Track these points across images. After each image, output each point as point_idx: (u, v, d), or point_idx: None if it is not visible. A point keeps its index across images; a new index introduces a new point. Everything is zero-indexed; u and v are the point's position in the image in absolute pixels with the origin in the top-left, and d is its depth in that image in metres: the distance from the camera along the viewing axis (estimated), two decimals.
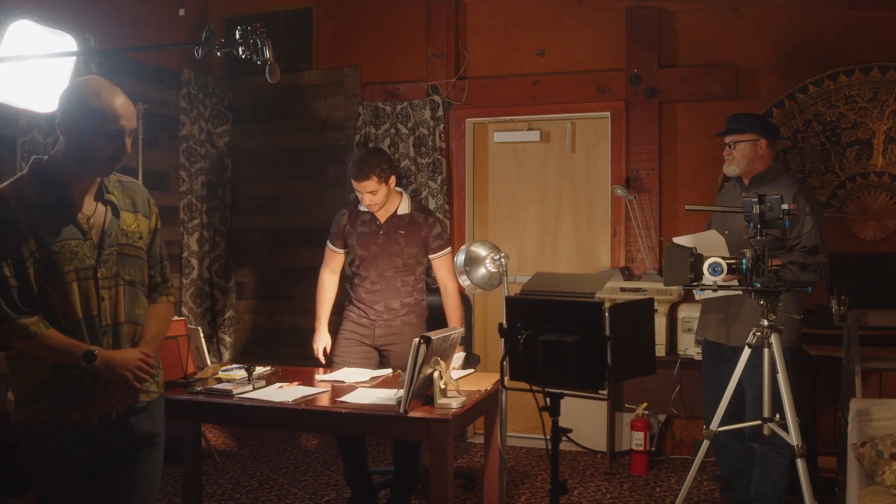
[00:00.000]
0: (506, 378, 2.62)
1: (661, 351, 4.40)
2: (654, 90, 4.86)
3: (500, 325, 2.54)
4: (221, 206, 5.69)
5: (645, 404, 4.50)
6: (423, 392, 2.81)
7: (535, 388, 2.54)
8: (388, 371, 3.51)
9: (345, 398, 2.93)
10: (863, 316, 3.77)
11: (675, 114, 4.88)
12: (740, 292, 3.17)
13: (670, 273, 3.02)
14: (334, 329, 3.95)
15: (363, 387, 3.15)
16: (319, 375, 3.40)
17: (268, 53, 2.28)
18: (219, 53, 2.24)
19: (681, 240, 3.33)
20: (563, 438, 2.67)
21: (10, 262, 2.06)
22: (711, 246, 3.23)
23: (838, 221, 4.58)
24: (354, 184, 3.64)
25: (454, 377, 2.96)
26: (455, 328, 3.11)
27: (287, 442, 5.07)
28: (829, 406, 4.38)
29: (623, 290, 4.42)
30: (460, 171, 5.30)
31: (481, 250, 3.29)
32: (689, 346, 4.37)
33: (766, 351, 2.98)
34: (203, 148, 5.56)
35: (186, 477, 3.49)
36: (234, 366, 3.45)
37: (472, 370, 3.55)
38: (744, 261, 2.93)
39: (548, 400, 2.55)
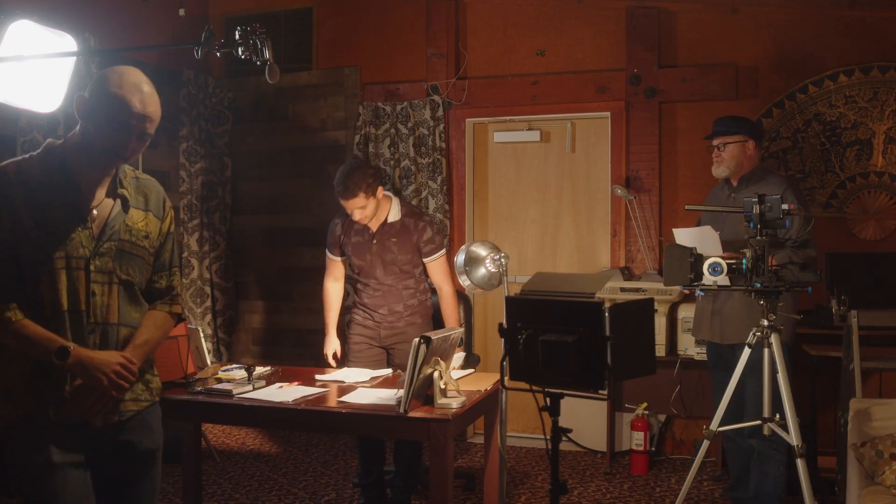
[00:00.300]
0: (506, 378, 2.62)
1: (661, 351, 4.40)
2: (654, 90, 4.86)
3: (500, 325, 2.54)
4: (221, 206, 5.69)
5: (645, 404, 4.49)
6: (423, 392, 2.81)
7: (535, 388, 2.53)
8: (388, 371, 3.51)
9: (345, 398, 2.93)
10: (863, 316, 3.77)
11: (675, 114, 4.88)
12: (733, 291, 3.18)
13: (670, 273, 3.02)
14: (341, 328, 3.99)
15: (363, 387, 3.15)
16: (319, 375, 3.40)
17: (267, 54, 2.26)
18: (218, 54, 2.23)
19: (679, 232, 3.34)
20: (563, 438, 2.67)
21: None
22: (707, 242, 3.24)
23: (838, 221, 4.58)
24: (342, 202, 3.57)
25: (454, 377, 2.96)
26: (455, 328, 3.11)
27: (287, 442, 5.07)
28: (829, 406, 4.38)
29: (623, 290, 4.42)
30: (460, 171, 5.30)
31: (481, 250, 3.29)
32: (689, 346, 4.37)
33: (766, 351, 2.99)
34: (203, 148, 5.56)
35: (186, 477, 3.49)
36: (234, 366, 3.45)
37: (472, 370, 3.55)
38: (744, 261, 2.93)
39: (548, 400, 2.54)
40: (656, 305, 3.98)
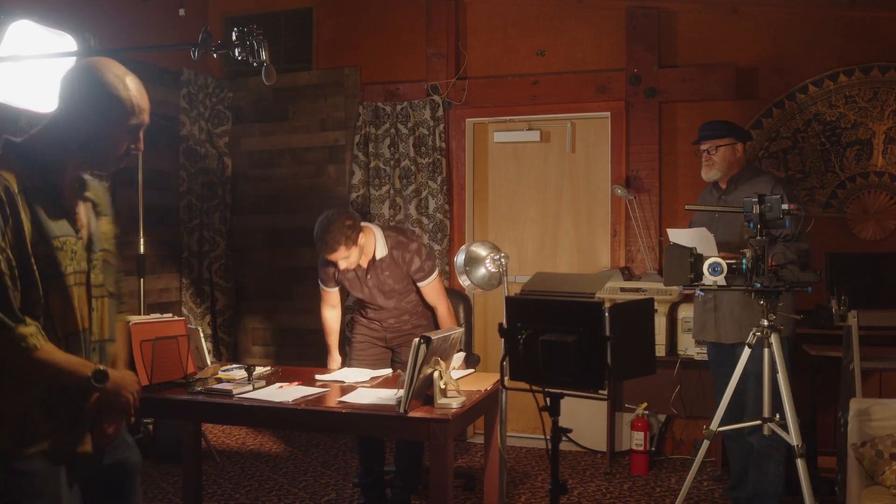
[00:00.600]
0: (506, 378, 2.62)
1: (661, 351, 4.40)
2: (654, 90, 4.86)
3: (500, 325, 2.54)
4: (221, 206, 5.69)
5: (645, 404, 4.49)
6: (423, 392, 2.80)
7: (535, 388, 2.53)
8: (388, 371, 3.52)
9: (345, 398, 2.93)
10: (863, 316, 3.77)
11: (675, 114, 4.88)
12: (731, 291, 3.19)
13: (670, 273, 3.02)
14: (342, 328, 4.03)
15: (363, 387, 3.15)
16: (319, 375, 3.40)
17: (264, 55, 2.24)
18: (215, 55, 2.22)
19: (674, 232, 3.34)
20: (563, 438, 2.67)
21: (8, 254, 1.72)
22: (703, 244, 3.24)
23: (838, 221, 4.58)
24: (325, 257, 3.50)
25: (454, 377, 2.96)
26: (455, 328, 3.11)
27: (287, 442, 5.07)
28: (829, 406, 4.38)
29: (623, 290, 4.42)
30: (460, 171, 5.30)
31: (481, 250, 3.29)
32: (689, 346, 4.37)
33: (766, 351, 2.99)
34: (203, 148, 5.56)
35: (186, 477, 3.49)
36: (234, 366, 3.45)
37: (472, 370, 3.55)
38: (744, 261, 2.93)
39: (548, 400, 2.54)
40: (656, 305, 3.98)
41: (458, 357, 3.41)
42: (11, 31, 2.79)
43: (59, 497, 1.82)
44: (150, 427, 4.66)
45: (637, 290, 4.40)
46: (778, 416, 3.00)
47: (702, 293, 3.61)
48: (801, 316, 3.52)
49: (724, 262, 2.94)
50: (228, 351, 5.70)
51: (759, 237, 2.92)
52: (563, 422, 2.61)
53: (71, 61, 3.14)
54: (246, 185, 5.79)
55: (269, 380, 3.20)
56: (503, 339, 2.54)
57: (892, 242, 4.51)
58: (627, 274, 4.76)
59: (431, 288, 3.69)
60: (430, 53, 5.30)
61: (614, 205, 4.98)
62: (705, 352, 3.98)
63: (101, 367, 1.84)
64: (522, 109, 5.17)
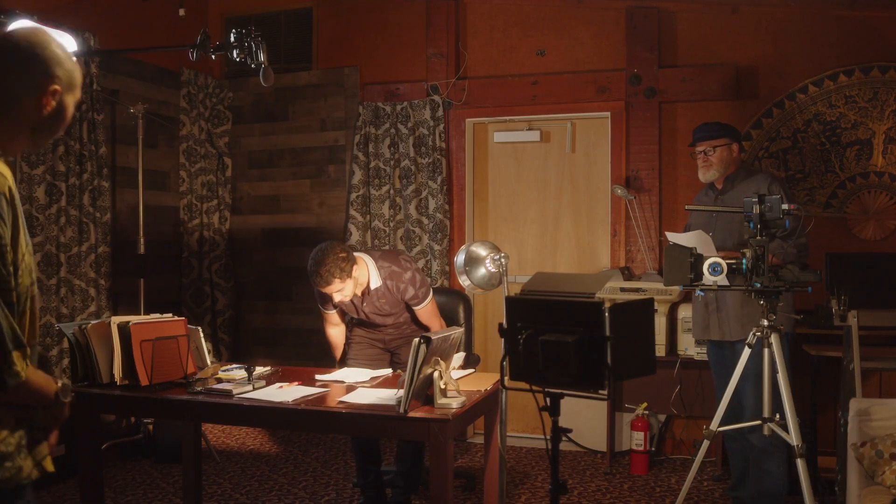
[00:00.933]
0: (506, 378, 2.62)
1: (661, 351, 4.40)
2: (654, 90, 4.86)
3: (500, 325, 2.54)
4: (221, 205, 5.69)
5: (645, 404, 4.49)
6: (423, 392, 2.80)
7: (535, 388, 2.53)
8: (388, 371, 3.52)
9: (345, 398, 2.92)
10: (863, 316, 3.77)
11: (675, 114, 4.88)
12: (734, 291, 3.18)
13: (670, 273, 3.02)
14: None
15: (363, 387, 3.15)
16: (319, 375, 3.40)
17: (262, 57, 2.23)
18: (213, 56, 2.21)
19: (673, 237, 3.34)
20: (563, 438, 2.67)
21: (9, 265, 1.53)
22: (701, 246, 3.24)
23: (838, 221, 4.58)
24: (319, 290, 3.50)
25: (454, 377, 2.96)
26: (455, 328, 3.11)
27: (287, 442, 5.07)
28: (829, 406, 4.38)
29: (623, 290, 4.42)
30: (460, 171, 5.30)
31: (481, 250, 3.29)
32: (689, 346, 4.37)
33: (766, 351, 2.99)
34: (203, 148, 5.56)
35: (186, 477, 3.49)
36: (234, 366, 3.45)
37: (472, 370, 3.55)
38: (744, 261, 2.94)
39: (548, 400, 2.54)
40: (656, 305, 3.98)
41: (458, 357, 3.41)
42: None
43: None
44: (150, 427, 4.66)
45: (637, 290, 4.40)
46: (778, 415, 3.00)
47: (702, 293, 3.61)
48: (801, 316, 3.53)
49: (724, 262, 2.94)
50: (228, 351, 5.70)
51: (759, 237, 2.93)
52: (563, 422, 2.61)
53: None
54: (246, 185, 5.79)
55: (269, 380, 3.20)
56: (503, 339, 2.54)
57: (892, 242, 4.51)
58: (627, 274, 4.76)
59: (425, 312, 3.72)
60: (430, 53, 5.30)
61: (614, 205, 4.98)
62: (705, 352, 3.98)
63: (65, 382, 1.67)
64: (522, 109, 5.17)
